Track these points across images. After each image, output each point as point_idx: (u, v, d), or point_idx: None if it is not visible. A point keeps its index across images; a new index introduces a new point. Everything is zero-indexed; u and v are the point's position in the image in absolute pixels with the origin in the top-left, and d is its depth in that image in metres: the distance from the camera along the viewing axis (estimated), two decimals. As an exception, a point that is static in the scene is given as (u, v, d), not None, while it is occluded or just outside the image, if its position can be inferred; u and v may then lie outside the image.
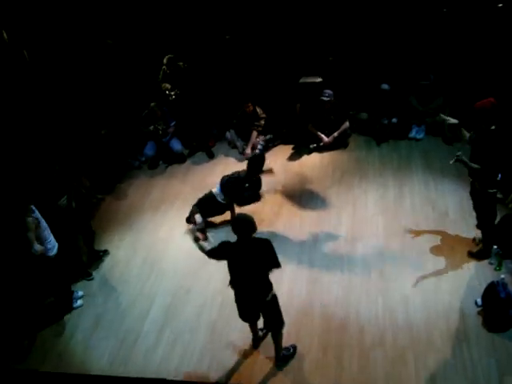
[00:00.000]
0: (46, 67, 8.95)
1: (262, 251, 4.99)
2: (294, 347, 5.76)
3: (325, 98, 8.92)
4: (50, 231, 6.40)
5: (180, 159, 9.64)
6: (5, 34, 8.23)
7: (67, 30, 9.22)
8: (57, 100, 8.99)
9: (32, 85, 8.66)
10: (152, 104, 9.27)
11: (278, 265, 5.08)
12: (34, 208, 6.20)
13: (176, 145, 9.57)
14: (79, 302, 6.94)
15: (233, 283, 5.21)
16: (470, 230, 6.85)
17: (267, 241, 5.03)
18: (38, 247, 6.07)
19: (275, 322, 5.40)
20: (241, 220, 4.95)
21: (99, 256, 7.65)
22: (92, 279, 7.33)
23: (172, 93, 9.42)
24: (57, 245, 6.46)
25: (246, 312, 5.40)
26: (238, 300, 5.31)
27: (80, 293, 7.05)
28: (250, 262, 4.96)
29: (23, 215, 6.02)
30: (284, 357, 5.64)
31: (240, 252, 4.98)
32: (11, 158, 7.77)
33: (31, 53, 8.70)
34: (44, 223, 6.31)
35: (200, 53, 9.85)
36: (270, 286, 5.18)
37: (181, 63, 9.48)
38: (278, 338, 5.50)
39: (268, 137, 9.52)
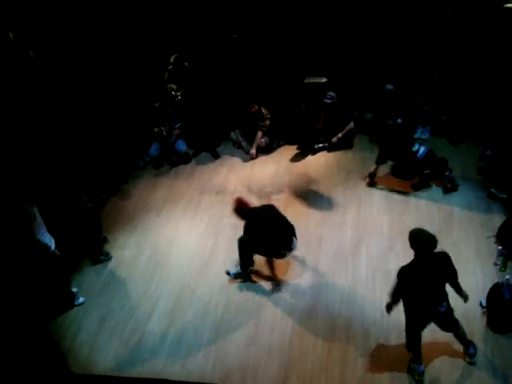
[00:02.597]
0: (52, 67, 8.97)
1: (443, 265, 4.92)
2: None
3: (327, 101, 8.93)
4: (45, 228, 6.37)
5: (185, 159, 9.64)
6: (11, 34, 8.26)
7: (72, 29, 9.24)
8: (62, 100, 9.01)
9: (37, 84, 8.68)
10: (156, 104, 9.26)
11: (456, 276, 5.06)
12: (33, 202, 6.25)
13: (181, 145, 9.56)
14: (81, 299, 6.96)
15: (409, 301, 5.03)
16: (475, 229, 6.85)
17: (446, 254, 4.93)
18: (40, 238, 6.11)
19: (453, 323, 5.26)
20: (422, 236, 4.83)
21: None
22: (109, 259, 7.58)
23: (178, 93, 9.42)
24: (53, 240, 6.44)
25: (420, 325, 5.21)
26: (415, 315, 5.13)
27: (75, 289, 7.06)
28: (432, 277, 4.86)
29: (23, 204, 6.05)
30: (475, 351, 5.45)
31: (422, 269, 4.83)
32: (16, 156, 7.80)
33: (36, 53, 8.73)
34: (40, 219, 6.30)
35: (206, 52, 9.86)
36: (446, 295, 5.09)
37: (186, 63, 9.50)
38: (462, 334, 5.33)
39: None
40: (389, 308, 5.26)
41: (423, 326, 5.17)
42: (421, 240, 4.78)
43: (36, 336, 6.30)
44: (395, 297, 5.11)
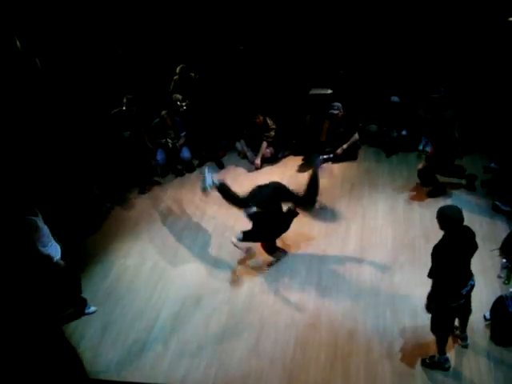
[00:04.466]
0: (58, 75, 9.03)
1: (471, 239, 5.00)
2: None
3: (334, 111, 8.96)
4: (50, 237, 6.38)
5: (189, 167, 9.66)
6: (18, 42, 8.32)
7: (79, 38, 9.31)
8: (68, 108, 9.05)
9: (44, 93, 8.73)
10: (163, 112, 9.28)
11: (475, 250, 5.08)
12: (37, 211, 6.26)
13: (185, 153, 9.59)
14: (92, 308, 6.93)
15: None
16: (478, 242, 6.79)
17: (469, 228, 5.03)
18: (42, 249, 6.11)
19: (470, 305, 5.37)
20: (451, 213, 4.84)
21: None
22: None
23: (183, 104, 9.46)
24: (60, 250, 6.45)
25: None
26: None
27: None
28: (465, 251, 4.94)
29: (23, 214, 6.05)
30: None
31: (455, 244, 4.86)
32: (21, 163, 7.85)
33: (43, 61, 8.78)
34: (45, 230, 6.30)
35: (213, 63, 9.91)
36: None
37: (192, 74, 9.54)
38: (467, 320, 5.51)
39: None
40: (431, 301, 5.14)
41: (458, 308, 5.14)
42: (450, 217, 4.81)
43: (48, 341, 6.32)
44: (435, 277, 5.00)
